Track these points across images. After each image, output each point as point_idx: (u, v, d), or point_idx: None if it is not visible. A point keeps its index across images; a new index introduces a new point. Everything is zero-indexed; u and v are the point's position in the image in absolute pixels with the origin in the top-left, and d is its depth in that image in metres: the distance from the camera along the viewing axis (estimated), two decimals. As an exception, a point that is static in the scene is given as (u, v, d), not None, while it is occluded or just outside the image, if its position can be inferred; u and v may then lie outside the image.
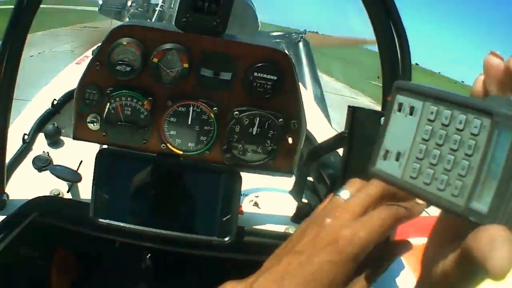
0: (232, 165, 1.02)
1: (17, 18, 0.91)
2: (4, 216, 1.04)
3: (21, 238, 1.06)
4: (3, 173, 1.09)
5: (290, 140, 0.99)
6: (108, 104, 0.96)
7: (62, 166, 1.16)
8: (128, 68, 0.93)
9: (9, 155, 1.18)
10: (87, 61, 2.11)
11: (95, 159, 1.01)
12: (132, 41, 0.93)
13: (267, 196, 1.24)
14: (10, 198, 1.10)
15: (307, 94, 2.48)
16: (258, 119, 0.97)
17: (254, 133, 0.98)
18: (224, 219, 1.02)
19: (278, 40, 3.22)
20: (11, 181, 1.18)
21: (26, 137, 1.36)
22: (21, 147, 1.32)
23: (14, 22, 0.92)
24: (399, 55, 0.98)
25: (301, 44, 3.05)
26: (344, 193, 0.47)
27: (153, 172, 1.02)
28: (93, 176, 1.01)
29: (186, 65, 0.93)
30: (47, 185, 1.18)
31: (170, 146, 1.00)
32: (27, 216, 1.08)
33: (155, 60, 0.93)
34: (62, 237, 1.25)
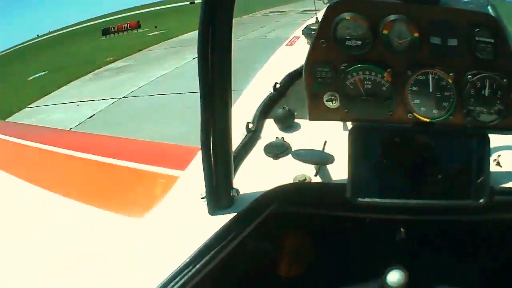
0: (473, 128, 1.04)
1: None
2: (235, 213, 1.03)
3: (256, 231, 1.05)
4: (231, 168, 1.05)
5: None
6: (346, 80, 1.02)
7: (307, 149, 1.11)
8: (359, 42, 0.97)
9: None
10: (299, 41, 2.14)
11: (349, 137, 1.03)
12: (355, 15, 0.95)
13: (509, 155, 1.18)
14: (241, 193, 1.07)
15: None
16: (487, 81, 0.99)
17: (486, 94, 1.00)
18: (478, 181, 1.02)
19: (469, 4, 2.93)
20: (238, 173, 1.14)
21: (250, 125, 1.32)
22: (246, 137, 1.28)
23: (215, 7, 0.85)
24: None
25: (489, 8, 2.72)
26: None
27: (405, 143, 1.04)
28: (348, 154, 1.03)
29: (416, 35, 0.96)
30: (286, 172, 1.13)
31: (417, 115, 1.03)
32: (268, 206, 1.07)
33: (385, 31, 0.95)
34: (296, 223, 1.22)
